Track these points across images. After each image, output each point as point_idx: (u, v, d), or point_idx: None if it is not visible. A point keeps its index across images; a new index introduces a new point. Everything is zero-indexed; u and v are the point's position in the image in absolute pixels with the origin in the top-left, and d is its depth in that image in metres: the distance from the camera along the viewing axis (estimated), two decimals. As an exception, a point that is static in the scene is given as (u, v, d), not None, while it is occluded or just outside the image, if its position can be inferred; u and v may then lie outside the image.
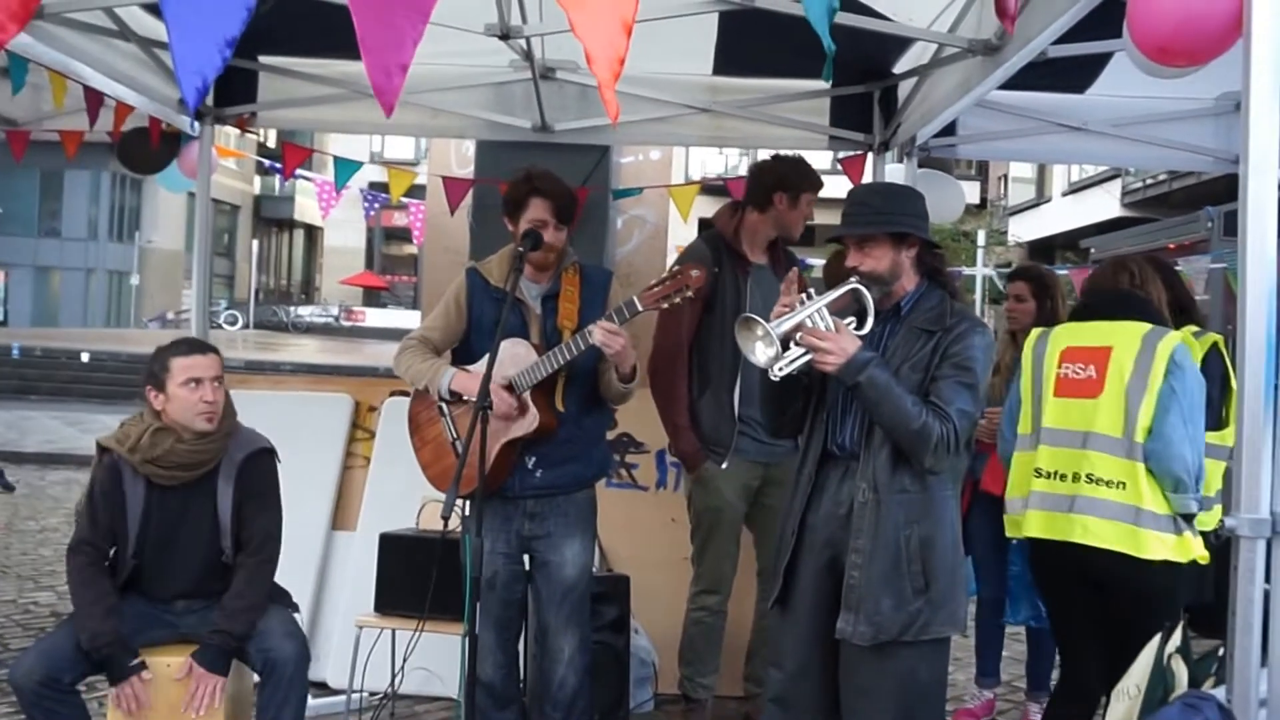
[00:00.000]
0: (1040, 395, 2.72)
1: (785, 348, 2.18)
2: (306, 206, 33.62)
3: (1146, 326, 2.60)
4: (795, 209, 3.35)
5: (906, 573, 2.17)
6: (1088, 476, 2.56)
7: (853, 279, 2.27)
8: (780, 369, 2.17)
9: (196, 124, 4.14)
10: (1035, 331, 2.84)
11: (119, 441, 2.68)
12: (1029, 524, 2.69)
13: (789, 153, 3.46)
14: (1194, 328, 2.93)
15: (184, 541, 2.69)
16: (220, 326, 26.06)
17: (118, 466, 2.67)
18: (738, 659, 3.57)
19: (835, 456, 2.31)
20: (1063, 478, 2.61)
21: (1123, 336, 2.60)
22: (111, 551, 2.69)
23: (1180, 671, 1.98)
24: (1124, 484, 2.52)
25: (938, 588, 2.19)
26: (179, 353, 2.69)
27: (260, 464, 2.76)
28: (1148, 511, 2.49)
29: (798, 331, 2.18)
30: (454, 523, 2.31)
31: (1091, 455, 2.57)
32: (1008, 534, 2.84)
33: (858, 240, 2.29)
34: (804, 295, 2.23)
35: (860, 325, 2.25)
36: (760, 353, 2.15)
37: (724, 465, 3.29)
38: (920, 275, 2.33)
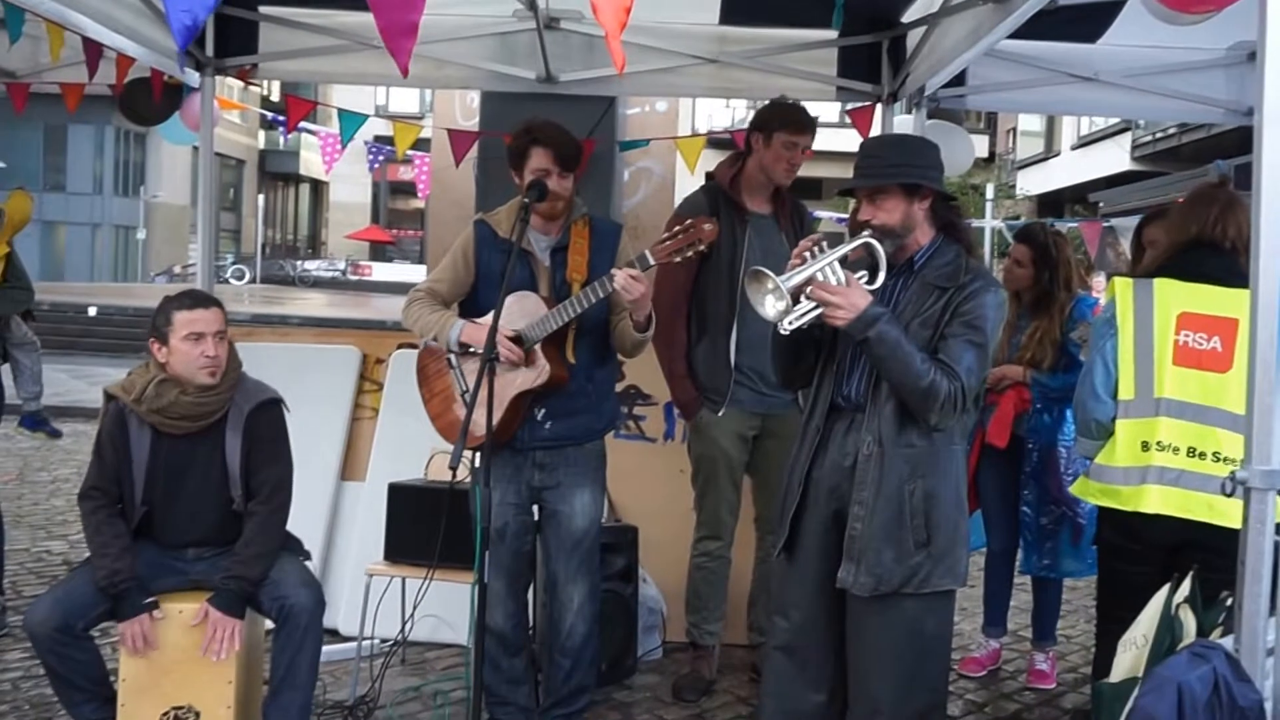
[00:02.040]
0: (1152, 360, 2.49)
1: (796, 301, 2.15)
2: (312, 161, 33.35)
3: None
4: (769, 149, 3.28)
5: (909, 526, 2.17)
6: (1214, 455, 2.40)
7: (865, 232, 2.23)
8: (790, 323, 2.15)
9: (197, 75, 4.08)
10: (1124, 283, 2.59)
11: (125, 390, 2.68)
12: (1146, 499, 2.46)
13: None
14: None
15: (192, 490, 2.70)
16: (227, 281, 26.05)
17: (124, 415, 2.68)
18: (744, 608, 3.61)
19: (842, 408, 2.30)
20: (1194, 454, 2.42)
21: (1248, 310, 2.48)
22: (120, 498, 2.70)
23: (1188, 621, 1.96)
24: None
25: (939, 541, 2.19)
26: (181, 306, 2.68)
27: (268, 414, 2.76)
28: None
29: (808, 285, 2.16)
30: (463, 474, 2.32)
31: (1219, 433, 2.41)
32: (1096, 503, 2.60)
33: (869, 193, 2.25)
34: (816, 249, 2.20)
35: (872, 279, 2.22)
36: (770, 306, 2.13)
37: (719, 413, 3.30)
38: (935, 229, 2.30)
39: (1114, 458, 2.54)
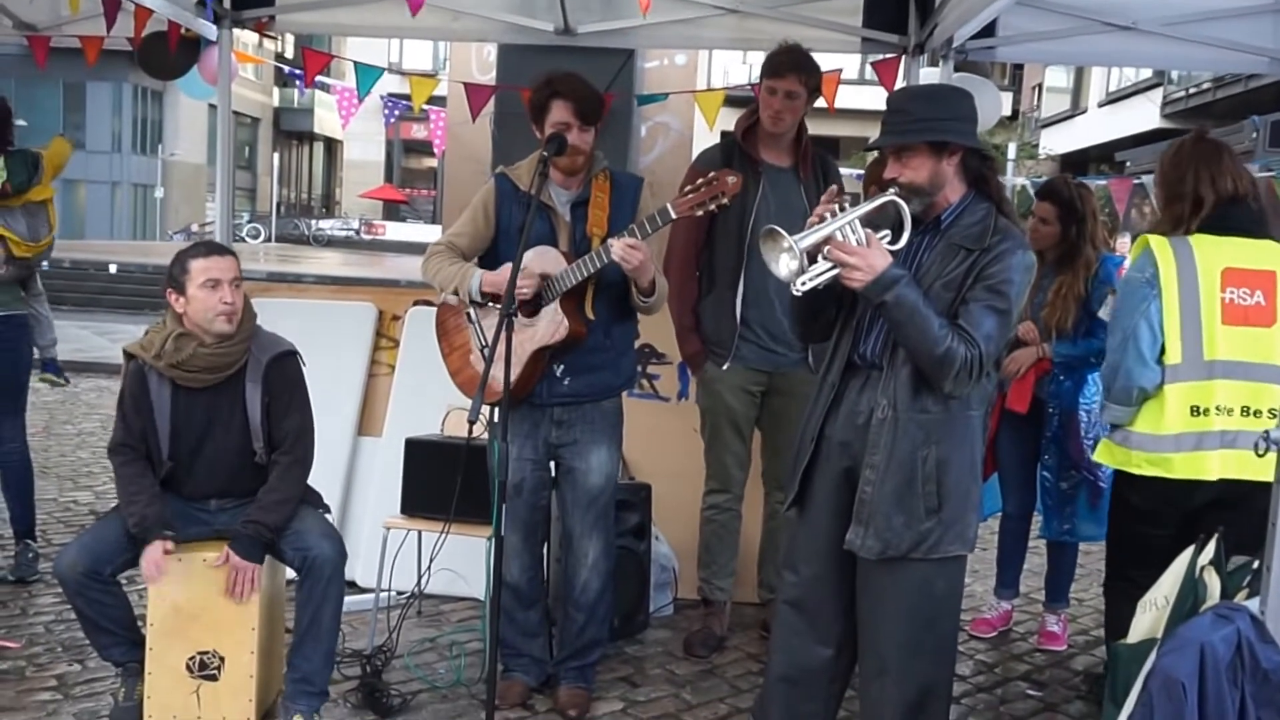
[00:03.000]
0: (1199, 320, 2.42)
1: (813, 261, 2.11)
2: (326, 119, 33.27)
3: None
4: (761, 95, 3.23)
5: (920, 492, 2.15)
6: (1270, 412, 2.34)
7: (891, 190, 2.17)
8: (803, 284, 2.10)
9: (214, 28, 4.05)
10: (1160, 241, 2.50)
11: (144, 348, 2.71)
12: (1205, 465, 2.40)
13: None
14: None
15: (215, 442, 2.74)
16: (243, 239, 26.11)
17: (143, 372, 2.71)
18: (754, 565, 3.63)
19: (858, 366, 2.27)
20: (1247, 413, 2.35)
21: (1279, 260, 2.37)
22: (147, 452, 2.73)
23: (1213, 583, 1.94)
24: None
25: (950, 508, 2.16)
26: (197, 255, 2.70)
27: (285, 366, 2.78)
28: None
29: (826, 245, 2.11)
30: (479, 429, 2.33)
31: (1272, 389, 2.35)
32: (1140, 472, 2.51)
33: (895, 150, 2.19)
34: (837, 206, 2.15)
35: (895, 239, 2.16)
36: (784, 266, 2.08)
37: (724, 367, 3.29)
38: (966, 184, 2.23)
39: (1162, 425, 2.45)
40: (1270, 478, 2.23)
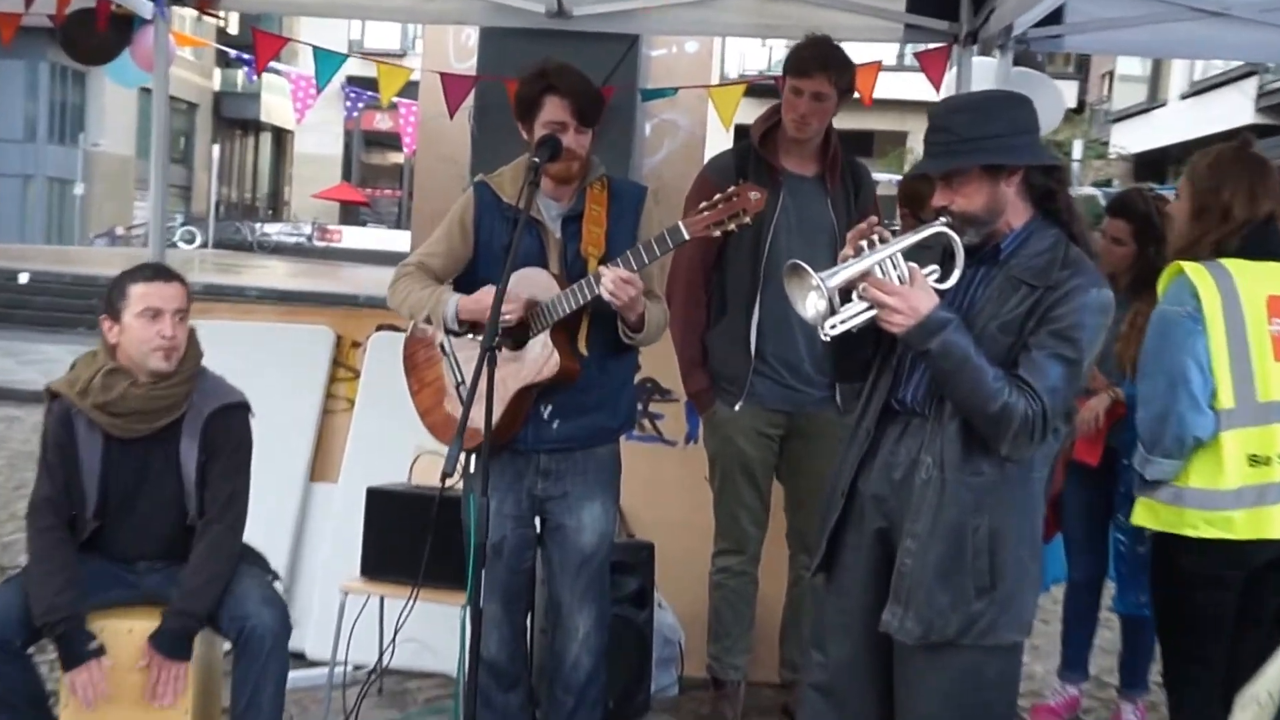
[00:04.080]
0: (1249, 358, 2.44)
1: (847, 298, 2.12)
2: (274, 106, 33.42)
3: None
4: (784, 95, 3.27)
5: (970, 568, 2.13)
6: None
7: (941, 219, 2.17)
8: (832, 326, 2.10)
9: (150, 5, 4.11)
10: (1197, 269, 2.51)
11: (69, 385, 2.73)
12: (1271, 523, 2.43)
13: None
14: None
15: (146, 502, 2.76)
16: (175, 245, 26.20)
17: (70, 416, 2.73)
18: (775, 640, 3.63)
19: (896, 412, 2.27)
20: None
21: None
22: (72, 511, 2.75)
23: (1320, 678, 1.95)
24: None
25: (1004, 587, 2.14)
26: (139, 278, 2.73)
27: (230, 421, 2.80)
28: None
29: (861, 281, 2.11)
30: (454, 478, 2.34)
31: None
32: (1197, 535, 2.51)
33: (944, 176, 2.19)
34: (877, 237, 2.14)
35: (944, 276, 2.16)
36: (811, 306, 2.08)
37: (736, 407, 3.31)
38: (1032, 206, 2.22)
39: (1220, 479, 2.46)
40: None
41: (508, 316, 2.61)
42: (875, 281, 2.12)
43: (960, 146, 2.16)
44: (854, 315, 2.13)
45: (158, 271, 2.78)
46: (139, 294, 2.69)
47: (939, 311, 2.10)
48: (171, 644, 2.65)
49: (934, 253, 2.20)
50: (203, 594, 2.69)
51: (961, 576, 2.14)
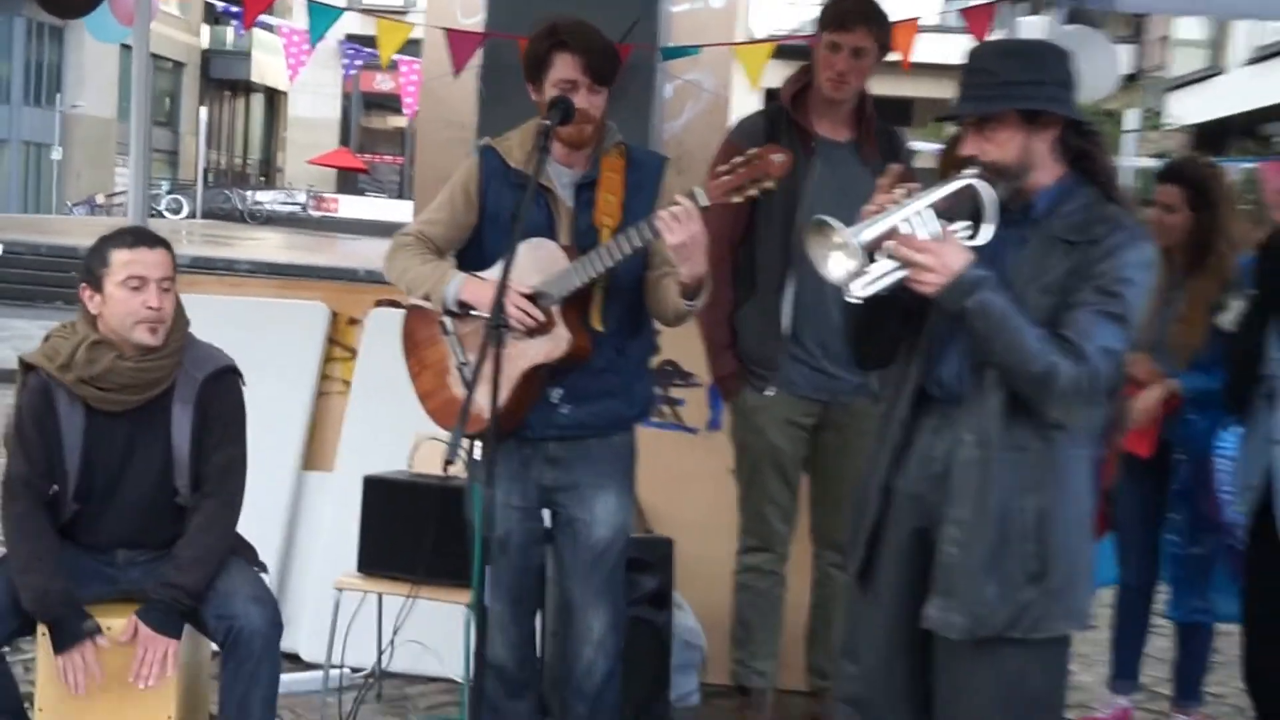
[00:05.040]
0: None
1: (872, 260, 2.11)
2: (266, 65, 33.49)
3: None
4: (820, 53, 3.25)
5: (1018, 553, 2.14)
6: None
7: (969, 170, 2.18)
8: (860, 289, 2.10)
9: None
10: None
11: (47, 358, 2.71)
12: None
13: None
14: None
15: (131, 479, 2.74)
16: (161, 214, 26.33)
17: (48, 388, 2.71)
18: (803, 644, 3.61)
19: (934, 398, 2.26)
20: None
21: None
22: (51, 491, 2.73)
23: None
24: None
25: (1057, 574, 2.15)
26: (121, 244, 2.71)
27: (224, 386, 2.79)
28: None
29: (888, 239, 2.11)
30: (456, 466, 2.33)
31: None
32: None
33: (977, 121, 2.20)
34: (904, 192, 2.15)
35: (976, 233, 2.16)
36: (836, 266, 2.08)
37: (767, 393, 3.30)
38: (1064, 165, 2.23)
39: None
40: None
41: (520, 320, 2.59)
42: (904, 239, 2.11)
43: (999, 90, 2.17)
44: (882, 275, 2.12)
45: (140, 237, 2.76)
46: (122, 261, 2.68)
47: (974, 269, 2.10)
48: (160, 619, 2.63)
49: (964, 210, 2.19)
50: (197, 569, 2.67)
51: (1009, 563, 2.15)
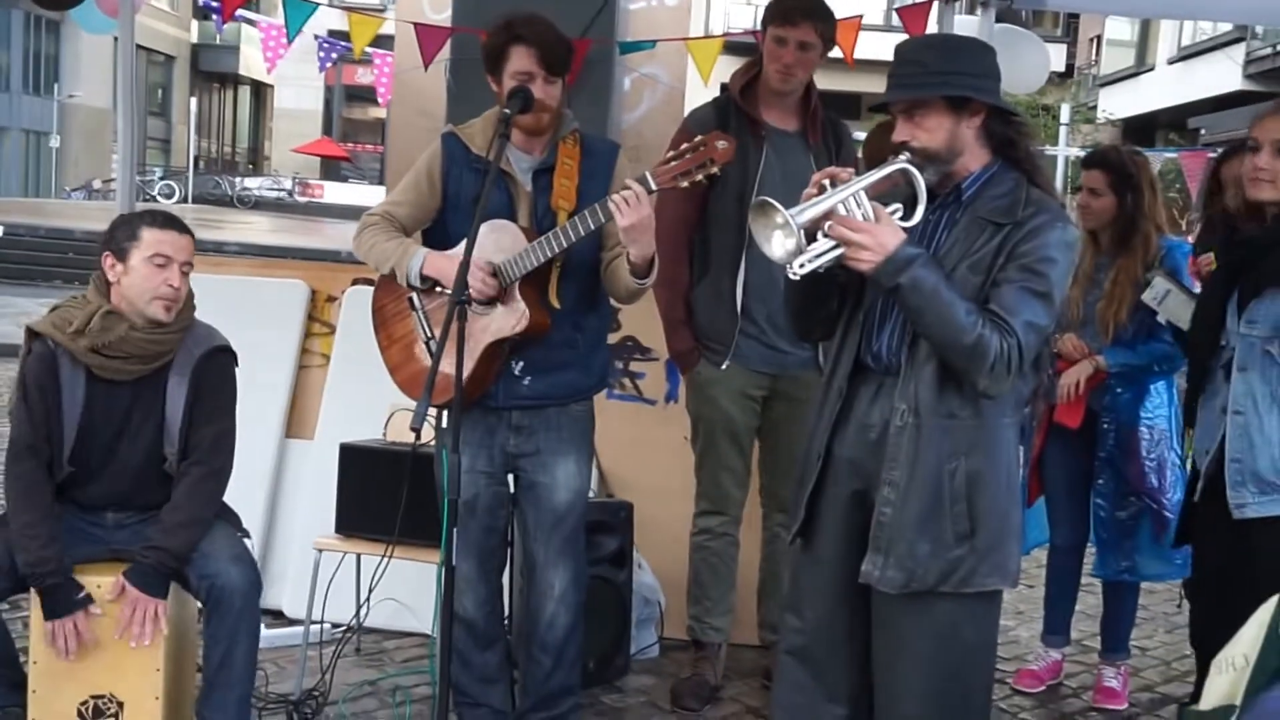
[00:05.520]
0: None
1: (812, 239, 2.12)
2: (253, 59, 32.96)
3: None
4: (766, 46, 3.24)
5: (949, 513, 2.15)
6: None
7: (901, 156, 2.18)
8: (801, 266, 2.10)
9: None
10: None
11: (56, 326, 2.68)
12: None
13: None
14: None
15: (124, 445, 2.72)
16: (153, 199, 25.93)
17: (53, 356, 2.68)
18: (755, 602, 3.64)
19: (870, 369, 2.27)
20: None
21: None
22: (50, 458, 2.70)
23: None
24: None
25: (985, 533, 2.16)
26: (154, 223, 2.69)
27: (218, 363, 2.79)
28: None
29: (827, 220, 2.12)
30: (427, 434, 2.32)
31: None
32: None
33: (906, 108, 2.20)
34: (840, 176, 2.15)
35: (908, 215, 2.17)
36: (778, 245, 2.09)
37: (722, 367, 3.30)
38: (990, 152, 2.24)
39: None
40: None
41: (479, 288, 2.58)
42: (841, 219, 2.12)
43: (928, 78, 2.18)
44: (821, 254, 2.13)
45: (171, 220, 2.76)
46: (152, 239, 2.67)
47: (906, 247, 2.11)
48: (146, 580, 2.61)
49: (897, 194, 2.20)
50: (182, 533, 2.66)
51: (941, 522, 2.16)
